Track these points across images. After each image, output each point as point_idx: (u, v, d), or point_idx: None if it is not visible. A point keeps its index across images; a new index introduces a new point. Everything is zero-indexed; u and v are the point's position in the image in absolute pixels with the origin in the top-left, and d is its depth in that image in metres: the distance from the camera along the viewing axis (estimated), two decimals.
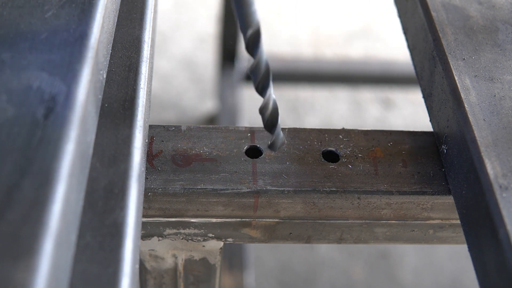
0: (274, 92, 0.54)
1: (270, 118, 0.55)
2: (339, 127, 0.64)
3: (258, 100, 0.53)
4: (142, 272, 0.67)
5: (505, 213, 0.48)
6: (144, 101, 0.55)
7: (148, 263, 0.66)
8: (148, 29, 0.61)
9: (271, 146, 0.57)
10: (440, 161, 0.60)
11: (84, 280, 0.42)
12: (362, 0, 2.62)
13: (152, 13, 0.63)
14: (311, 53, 2.36)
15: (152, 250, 0.63)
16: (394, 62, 2.05)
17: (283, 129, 0.61)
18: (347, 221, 0.60)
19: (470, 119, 0.55)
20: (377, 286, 1.75)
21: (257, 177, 0.57)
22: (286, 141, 0.58)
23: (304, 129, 0.61)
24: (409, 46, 0.70)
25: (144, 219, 0.58)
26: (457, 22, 0.64)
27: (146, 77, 0.57)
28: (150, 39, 0.61)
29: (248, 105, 1.99)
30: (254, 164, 0.58)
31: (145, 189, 0.55)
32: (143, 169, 0.53)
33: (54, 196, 0.38)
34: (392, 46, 2.40)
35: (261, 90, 0.53)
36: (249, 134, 0.60)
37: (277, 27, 2.46)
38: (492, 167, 0.51)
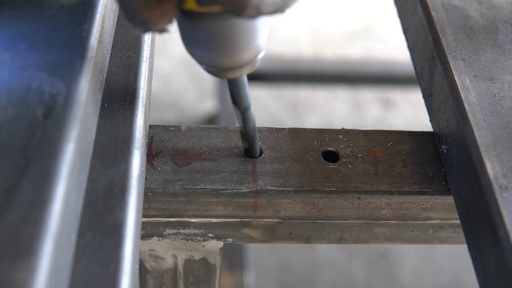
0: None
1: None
2: (339, 127, 0.64)
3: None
4: (142, 272, 0.67)
5: (505, 213, 0.48)
6: (144, 101, 0.55)
7: (148, 263, 0.66)
8: None
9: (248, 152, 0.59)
10: (440, 161, 0.60)
11: (84, 280, 0.42)
12: (362, 0, 2.62)
13: None
14: (311, 53, 2.36)
15: (152, 250, 0.63)
16: (394, 62, 2.05)
17: (283, 129, 0.61)
18: (347, 221, 0.60)
19: (470, 119, 0.55)
20: (377, 286, 1.75)
21: (257, 177, 0.57)
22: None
23: (304, 129, 0.61)
24: (409, 46, 0.70)
25: (144, 219, 0.58)
26: (457, 22, 0.64)
27: (146, 77, 0.57)
28: (150, 39, 0.61)
29: None
30: (254, 164, 0.58)
31: (145, 189, 0.55)
32: (143, 169, 0.53)
33: (54, 196, 0.38)
34: (392, 46, 2.40)
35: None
36: None
37: (276, 26, 2.46)
38: (492, 167, 0.51)
